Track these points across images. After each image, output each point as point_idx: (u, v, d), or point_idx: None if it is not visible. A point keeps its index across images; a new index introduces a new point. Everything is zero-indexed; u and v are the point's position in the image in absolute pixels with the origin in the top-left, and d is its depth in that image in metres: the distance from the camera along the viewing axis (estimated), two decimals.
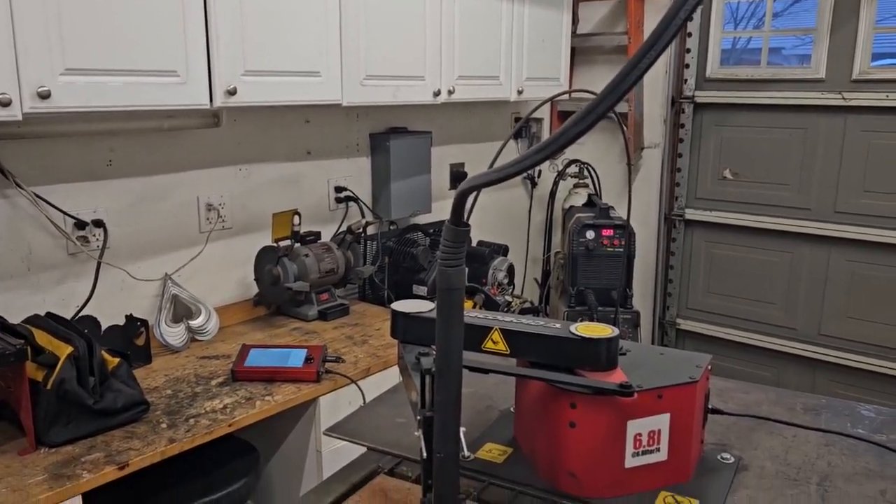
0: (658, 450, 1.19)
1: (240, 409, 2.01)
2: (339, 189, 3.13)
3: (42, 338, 1.88)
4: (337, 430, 1.45)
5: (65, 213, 2.23)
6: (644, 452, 1.18)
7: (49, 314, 2.03)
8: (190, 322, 2.49)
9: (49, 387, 1.76)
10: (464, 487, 1.23)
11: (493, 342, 1.21)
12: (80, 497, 1.64)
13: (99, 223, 2.31)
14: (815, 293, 3.69)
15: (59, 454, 1.74)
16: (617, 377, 1.16)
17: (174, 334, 2.43)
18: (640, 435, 1.17)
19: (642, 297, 4.12)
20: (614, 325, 1.21)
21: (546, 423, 1.21)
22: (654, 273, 4.16)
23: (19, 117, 1.72)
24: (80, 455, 1.74)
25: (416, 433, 1.01)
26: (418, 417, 1.00)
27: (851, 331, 3.60)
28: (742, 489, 1.22)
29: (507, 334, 1.20)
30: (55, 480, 1.63)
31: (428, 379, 0.99)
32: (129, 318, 2.31)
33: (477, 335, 1.21)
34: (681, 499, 1.18)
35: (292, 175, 2.96)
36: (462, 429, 0.99)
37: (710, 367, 1.29)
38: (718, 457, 1.31)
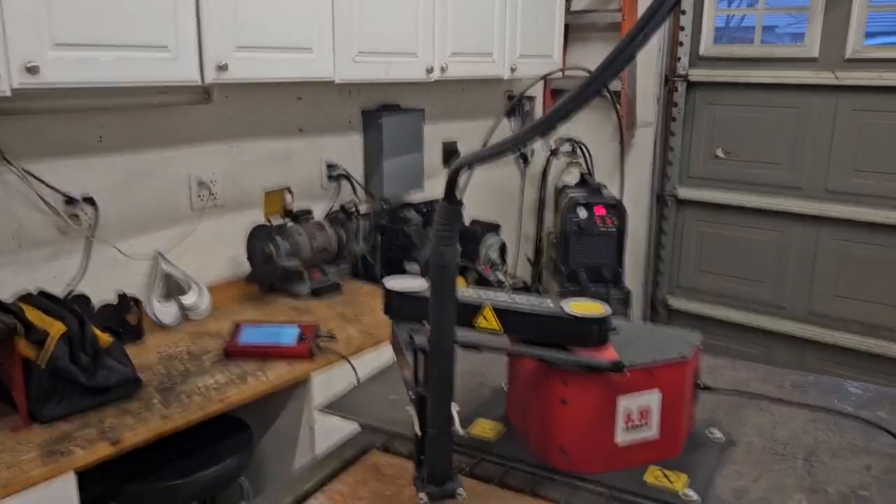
0: (648, 426, 1.21)
1: (233, 386, 2.02)
2: (331, 166, 3.11)
3: (34, 315, 1.88)
4: (330, 408, 1.46)
5: (55, 189, 2.22)
6: (634, 429, 1.20)
7: (41, 292, 2.03)
8: (182, 300, 2.48)
9: (41, 364, 1.76)
10: (456, 463, 1.24)
11: (486, 319, 1.22)
12: (73, 473, 1.65)
13: (89, 200, 2.30)
14: (804, 272, 3.71)
15: (52, 431, 1.75)
16: (609, 355, 1.17)
17: (166, 312, 2.43)
18: (630, 412, 1.19)
19: (633, 275, 4.14)
20: (606, 303, 1.22)
21: (538, 399, 1.22)
22: (646, 252, 4.17)
23: (8, 93, 1.70)
24: (73, 431, 1.74)
25: (408, 410, 1.02)
26: (411, 395, 1.01)
27: (840, 309, 3.63)
28: (730, 464, 1.24)
29: (500, 312, 1.21)
30: (48, 457, 1.63)
31: (421, 356, 0.99)
32: (121, 295, 2.30)
33: (469, 313, 1.21)
34: (670, 474, 1.19)
35: (284, 152, 2.94)
36: (455, 406, 1.00)
37: (701, 345, 1.31)
38: (707, 433, 1.32)
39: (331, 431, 1.41)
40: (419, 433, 1.01)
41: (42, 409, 1.77)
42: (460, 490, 1.02)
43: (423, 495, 1.01)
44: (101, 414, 1.83)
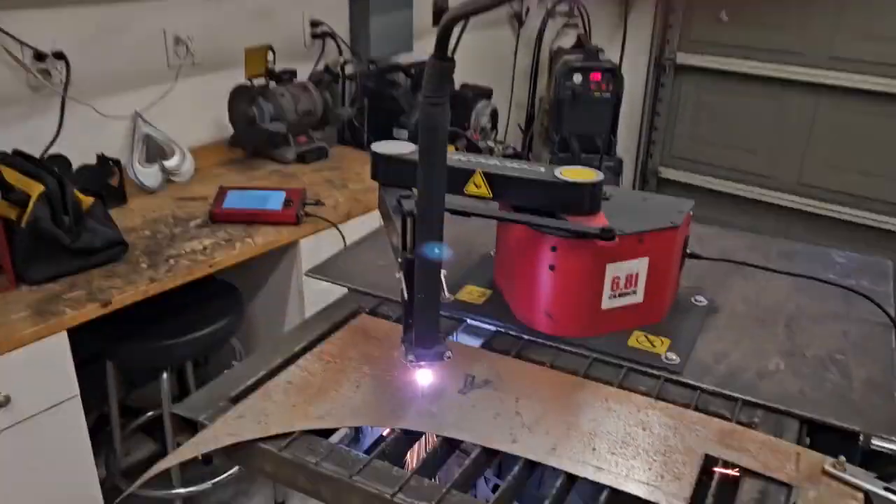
0: (635, 292, 1.21)
1: (220, 250, 2.01)
2: (315, 24, 2.95)
3: (11, 175, 1.83)
4: (318, 272, 1.46)
5: (22, 42, 2.10)
6: (621, 295, 1.21)
7: (16, 151, 1.96)
8: (164, 163, 2.42)
9: (23, 225, 1.73)
10: (443, 327, 1.26)
11: (476, 185, 1.19)
12: (65, 333, 1.67)
13: (60, 55, 2.18)
14: (798, 142, 3.67)
15: (40, 292, 1.75)
16: (599, 221, 1.15)
17: (148, 175, 2.38)
18: (617, 278, 1.19)
19: (626, 144, 4.09)
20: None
21: (526, 265, 1.22)
22: (640, 120, 4.09)
23: None
24: (62, 293, 1.75)
25: (397, 275, 1.01)
26: (399, 260, 1.00)
27: (832, 180, 3.62)
28: (712, 329, 1.26)
29: (490, 178, 1.17)
30: (39, 316, 1.64)
31: (409, 221, 0.97)
32: (101, 157, 2.24)
33: (459, 178, 1.18)
34: (653, 338, 1.21)
35: (265, 7, 2.77)
36: (443, 271, 0.99)
37: (691, 213, 1.29)
38: (692, 299, 1.34)
39: (320, 295, 1.41)
40: (406, 298, 1.01)
41: (28, 271, 1.76)
42: (448, 353, 1.03)
43: (411, 357, 1.03)
44: (88, 276, 1.83)
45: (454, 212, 1.15)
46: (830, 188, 3.64)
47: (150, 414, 2.49)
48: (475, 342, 1.22)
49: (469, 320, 1.27)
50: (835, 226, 3.66)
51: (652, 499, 0.88)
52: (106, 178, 2.24)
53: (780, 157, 3.75)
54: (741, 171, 3.88)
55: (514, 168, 1.19)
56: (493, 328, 1.25)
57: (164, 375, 2.08)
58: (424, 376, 1.07)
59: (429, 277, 0.98)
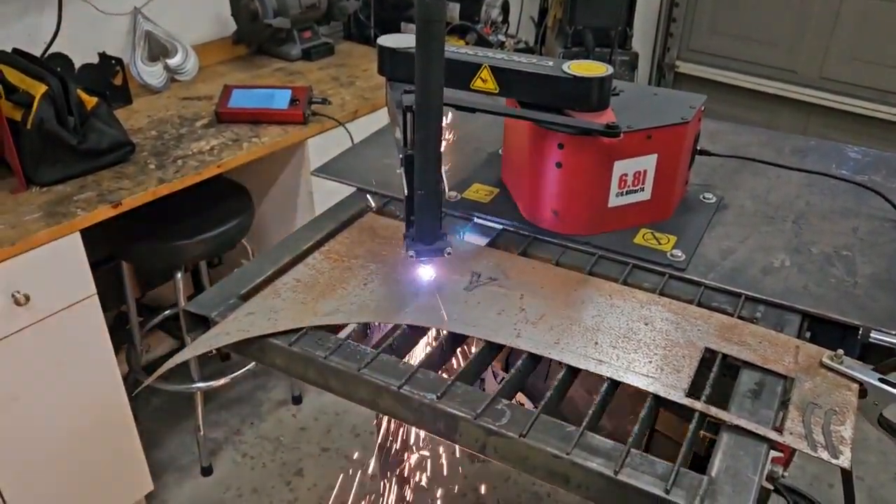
0: (642, 189, 1.20)
1: (227, 150, 2.00)
2: None
3: (13, 76, 1.80)
4: (325, 171, 1.46)
5: None
6: (628, 192, 1.20)
7: (16, 51, 1.93)
8: (167, 61, 2.38)
9: (29, 126, 1.73)
10: (451, 225, 1.26)
11: (483, 80, 1.16)
12: (78, 234, 1.69)
13: None
14: (822, 33, 3.52)
15: (51, 193, 1.76)
16: (606, 118, 1.13)
17: (152, 73, 2.34)
18: (625, 175, 1.18)
19: (642, 38, 3.93)
20: (610, 65, 1.15)
21: (533, 163, 1.21)
22: (658, 11, 3.92)
23: None
24: (73, 194, 1.76)
25: (398, 171, 1.01)
26: (400, 156, 0.99)
27: (854, 74, 3.50)
28: (719, 226, 1.26)
29: (497, 72, 1.14)
30: (51, 217, 1.66)
31: (409, 116, 0.96)
32: (103, 55, 2.20)
33: (466, 73, 1.15)
34: (660, 235, 1.21)
35: None
36: (444, 167, 0.98)
37: (702, 108, 1.26)
38: (701, 197, 1.33)
39: (329, 195, 1.41)
40: (407, 193, 1.01)
41: (37, 172, 1.76)
42: (448, 249, 1.04)
43: (412, 252, 1.04)
44: (97, 178, 1.84)
45: (459, 107, 1.13)
46: (853, 82, 3.52)
47: (167, 312, 2.55)
48: (481, 240, 1.22)
49: (476, 218, 1.27)
50: (854, 121, 3.57)
51: (651, 389, 0.90)
52: (109, 78, 2.21)
53: (802, 50, 3.61)
54: (761, 64, 3.75)
55: (522, 62, 1.16)
56: (499, 226, 1.25)
57: (178, 275, 2.12)
58: (426, 272, 1.08)
59: (428, 173, 0.97)
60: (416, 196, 0.99)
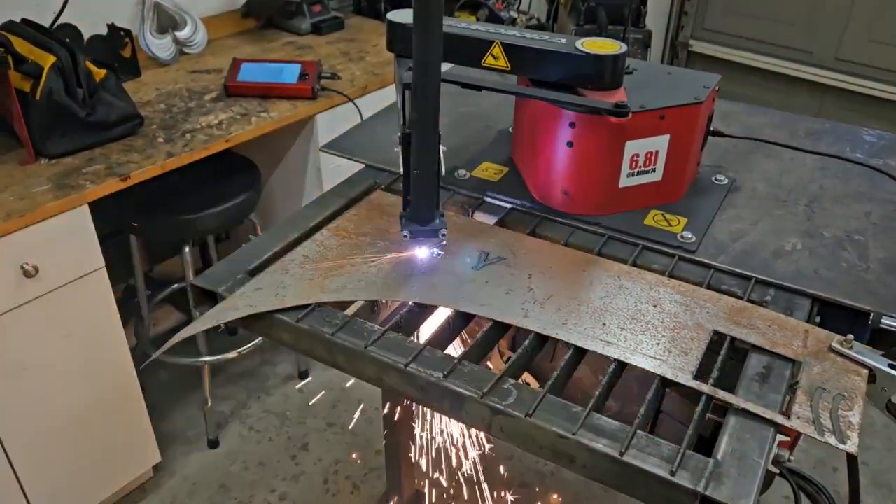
0: (654, 170, 1.19)
1: (236, 124, 1.99)
2: None
3: (22, 46, 1.79)
4: (333, 147, 1.45)
5: None
6: (639, 173, 1.19)
7: (25, 20, 1.91)
8: (176, 33, 2.36)
9: (38, 97, 1.72)
10: (460, 204, 1.26)
11: (494, 57, 1.14)
12: (86, 207, 1.69)
13: None
14: (839, 14, 3.46)
15: (59, 165, 1.76)
16: (618, 97, 1.11)
17: (161, 46, 2.32)
18: (637, 155, 1.16)
19: (656, 15, 3.88)
20: (623, 43, 1.13)
21: (544, 142, 1.19)
22: None
23: None
24: (81, 167, 1.76)
25: (395, 150, 1.00)
26: (398, 134, 0.98)
27: (870, 56, 3.45)
28: (731, 209, 1.25)
29: (509, 49, 1.13)
30: (60, 190, 1.66)
31: (408, 94, 0.94)
32: (112, 27, 2.18)
33: (477, 50, 1.14)
34: (670, 217, 1.20)
35: None
36: (442, 147, 0.97)
37: (717, 88, 1.24)
38: (713, 178, 1.31)
39: (337, 171, 1.40)
40: (403, 172, 1.00)
41: (46, 144, 1.76)
42: (443, 231, 1.03)
43: (406, 232, 1.03)
44: (105, 150, 1.83)
45: (467, 85, 1.12)
46: (869, 63, 3.46)
47: (174, 286, 2.56)
48: (490, 219, 1.22)
49: (485, 197, 1.26)
50: (870, 103, 3.52)
51: (658, 372, 0.90)
52: (118, 50, 2.19)
53: (818, 30, 3.55)
54: (776, 44, 3.70)
55: (534, 39, 1.14)
56: (508, 205, 1.24)
57: (187, 249, 2.12)
58: (421, 252, 1.08)
59: (424, 153, 0.96)
60: (411, 176, 0.98)
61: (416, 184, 0.99)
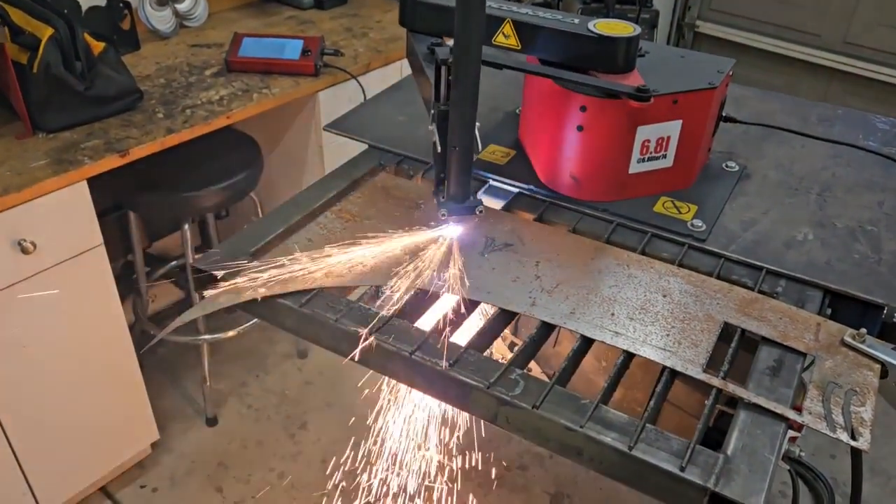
0: (664, 156, 1.17)
1: (237, 101, 1.95)
2: None
3: (18, 17, 1.75)
4: (337, 127, 1.42)
5: None
6: (650, 159, 1.16)
7: None
8: (176, 6, 2.31)
9: (35, 70, 1.68)
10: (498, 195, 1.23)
11: (505, 35, 1.11)
12: (85, 183, 1.66)
13: None
14: None
15: (57, 140, 1.73)
16: (633, 80, 1.09)
17: (161, 18, 2.28)
18: (648, 141, 1.14)
19: None
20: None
21: (553, 125, 1.17)
22: None
23: None
24: (79, 142, 1.73)
25: (430, 127, 0.98)
26: (433, 111, 0.96)
27: (880, 40, 3.40)
28: (742, 196, 1.23)
29: (521, 27, 1.10)
30: (58, 165, 1.63)
31: (444, 70, 0.92)
32: None
33: (487, 27, 1.10)
34: (680, 204, 1.18)
35: None
36: (477, 124, 0.95)
37: (731, 73, 1.22)
38: (724, 165, 1.29)
39: (340, 150, 1.38)
40: (440, 150, 0.98)
41: (43, 118, 1.73)
42: (480, 207, 1.02)
43: (443, 211, 1.01)
44: (104, 125, 1.80)
45: (485, 63, 1.09)
46: (879, 48, 3.41)
47: (173, 263, 2.54)
48: (497, 204, 1.20)
49: (491, 181, 1.24)
50: (878, 89, 3.48)
51: (668, 364, 0.89)
52: (117, 22, 2.15)
53: (828, 13, 3.50)
54: (784, 26, 3.64)
55: (547, 18, 1.11)
56: (515, 190, 1.22)
57: (186, 226, 2.10)
58: (455, 231, 1.06)
59: (464, 129, 0.94)
60: (449, 153, 0.96)
61: (453, 161, 0.97)
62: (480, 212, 1.02)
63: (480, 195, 1.22)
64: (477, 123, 0.95)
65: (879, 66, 3.43)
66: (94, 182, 1.69)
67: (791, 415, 0.82)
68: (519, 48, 1.11)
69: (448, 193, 1.01)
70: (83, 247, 1.73)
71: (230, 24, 2.41)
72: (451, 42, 0.92)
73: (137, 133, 1.78)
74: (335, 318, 0.94)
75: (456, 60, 0.89)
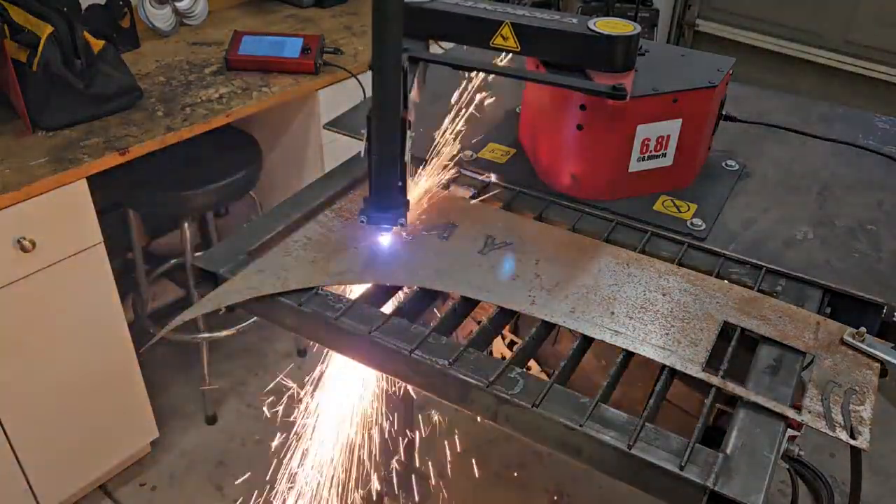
0: (664, 155, 1.17)
1: (236, 99, 1.95)
2: None
3: (18, 15, 1.75)
4: (337, 125, 1.42)
5: None
6: (649, 157, 1.16)
7: None
8: (176, 4, 2.31)
9: (34, 68, 1.68)
10: (465, 186, 1.23)
11: (503, 38, 1.11)
12: (85, 181, 1.66)
13: None
14: None
15: (57, 138, 1.73)
16: (629, 80, 1.08)
17: (161, 17, 2.28)
18: (647, 140, 1.14)
19: None
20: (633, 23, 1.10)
21: (553, 124, 1.17)
22: None
23: None
24: (79, 140, 1.73)
25: (361, 131, 0.96)
26: (367, 115, 0.94)
27: (880, 39, 3.40)
28: (741, 195, 1.23)
29: (519, 29, 1.10)
30: (58, 163, 1.63)
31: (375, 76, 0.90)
32: None
33: (486, 29, 1.11)
34: (680, 203, 1.18)
35: None
36: (410, 133, 0.94)
37: (731, 72, 1.22)
38: (723, 164, 1.29)
39: (339, 149, 1.38)
40: (363, 156, 0.96)
41: (43, 116, 1.73)
42: (402, 220, 0.99)
43: (363, 218, 1.00)
44: (104, 123, 1.80)
45: (461, 67, 1.10)
46: (879, 47, 3.41)
47: (173, 261, 2.54)
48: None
49: (491, 180, 1.24)
50: (878, 88, 3.48)
51: (667, 363, 0.89)
52: (117, 20, 2.15)
53: (828, 12, 3.50)
54: (784, 25, 3.64)
55: (545, 19, 1.11)
56: (515, 188, 1.22)
57: (186, 224, 2.10)
58: (384, 238, 1.04)
59: (383, 138, 0.92)
60: (371, 160, 0.95)
61: (375, 168, 0.95)
62: (401, 224, 0.99)
63: (482, 195, 1.22)
64: (411, 134, 0.93)
65: (879, 64, 3.43)
66: (93, 179, 1.69)
67: (790, 413, 0.82)
68: (518, 50, 1.11)
69: (371, 200, 0.98)
70: (83, 245, 1.73)
71: (230, 23, 2.41)
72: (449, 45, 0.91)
73: (137, 131, 1.78)
74: (335, 316, 0.94)
75: (374, 67, 0.87)
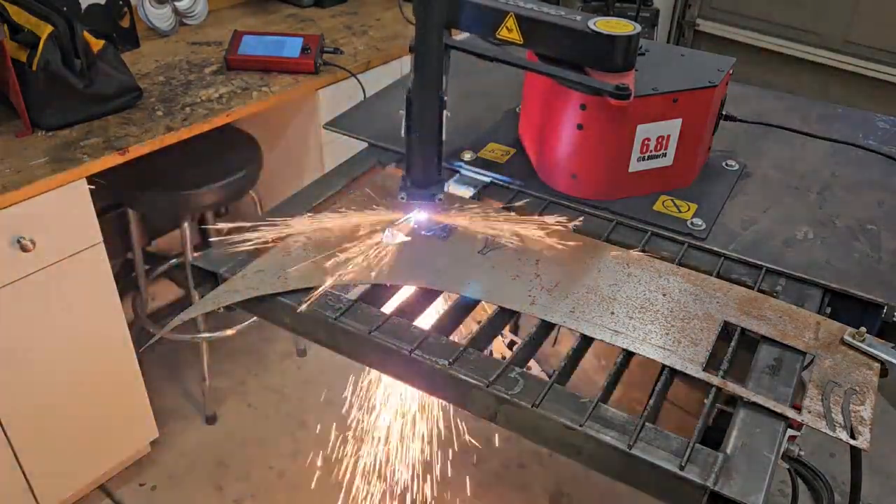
0: (664, 155, 1.17)
1: (236, 98, 1.95)
2: None
3: (18, 14, 1.75)
4: (337, 125, 1.42)
5: None
6: (650, 157, 1.16)
7: None
8: (176, 3, 2.31)
9: (34, 68, 1.68)
10: (465, 185, 1.23)
11: (508, 30, 1.11)
12: (84, 180, 1.66)
13: None
14: None
15: (56, 138, 1.72)
16: (624, 79, 1.08)
17: (161, 16, 2.27)
18: (648, 139, 1.14)
19: None
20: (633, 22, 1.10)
21: (553, 124, 1.17)
22: None
23: None
24: (79, 140, 1.72)
25: (399, 112, 1.02)
26: (407, 96, 1.00)
27: (880, 39, 3.39)
28: (741, 195, 1.23)
29: (523, 22, 1.09)
30: (57, 163, 1.63)
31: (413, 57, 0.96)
32: None
33: (491, 20, 1.10)
34: (680, 202, 1.18)
35: None
36: (446, 113, 0.99)
37: (731, 72, 1.21)
38: (724, 164, 1.29)
39: (339, 148, 1.38)
40: (404, 135, 1.01)
41: (43, 116, 1.73)
42: (440, 195, 1.04)
43: (403, 195, 1.04)
44: (103, 123, 1.80)
45: (479, 55, 1.09)
46: (879, 46, 3.41)
47: (173, 261, 2.54)
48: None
49: (491, 179, 1.24)
50: (878, 88, 3.48)
51: (667, 363, 0.89)
52: (116, 20, 2.15)
53: (828, 10, 3.50)
54: (784, 25, 3.64)
55: (550, 14, 1.11)
56: (515, 188, 1.22)
57: (186, 224, 2.10)
58: (417, 216, 1.08)
59: (424, 116, 0.97)
60: (411, 138, 0.99)
61: (415, 146, 1.00)
62: (440, 200, 1.06)
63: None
64: (447, 113, 0.98)
65: (880, 64, 3.43)
66: (93, 180, 1.69)
67: (790, 413, 0.82)
68: (521, 43, 1.11)
69: (409, 178, 1.03)
70: (82, 245, 1.73)
71: (230, 22, 2.41)
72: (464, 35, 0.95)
73: (137, 131, 1.78)
74: (334, 316, 0.94)
75: (417, 46, 0.92)
